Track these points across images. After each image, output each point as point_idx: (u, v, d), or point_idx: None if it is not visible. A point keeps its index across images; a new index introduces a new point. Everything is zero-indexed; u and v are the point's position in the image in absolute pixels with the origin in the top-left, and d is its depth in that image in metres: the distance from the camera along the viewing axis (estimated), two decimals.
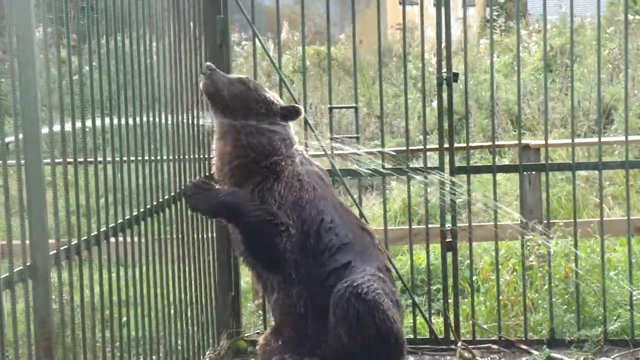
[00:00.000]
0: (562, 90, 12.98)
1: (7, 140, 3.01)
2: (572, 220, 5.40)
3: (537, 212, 6.51)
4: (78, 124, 3.53)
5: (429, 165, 5.34)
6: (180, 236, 4.60)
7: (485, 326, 5.53)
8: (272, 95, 4.52)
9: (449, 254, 5.31)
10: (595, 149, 6.88)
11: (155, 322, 4.22)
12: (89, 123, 3.61)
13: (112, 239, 3.84)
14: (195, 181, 4.51)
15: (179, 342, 4.54)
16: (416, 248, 5.76)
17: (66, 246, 3.44)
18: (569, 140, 5.68)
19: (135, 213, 4.07)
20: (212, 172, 4.60)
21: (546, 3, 5.30)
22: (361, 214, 5.15)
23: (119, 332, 3.90)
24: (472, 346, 5.17)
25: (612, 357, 5.04)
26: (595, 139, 6.20)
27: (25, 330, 3.14)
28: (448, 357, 5.16)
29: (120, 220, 3.92)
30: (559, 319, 5.32)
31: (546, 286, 5.43)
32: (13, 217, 3.06)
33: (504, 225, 5.74)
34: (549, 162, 5.58)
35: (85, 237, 3.60)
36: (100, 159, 3.72)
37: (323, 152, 5.24)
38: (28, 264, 3.15)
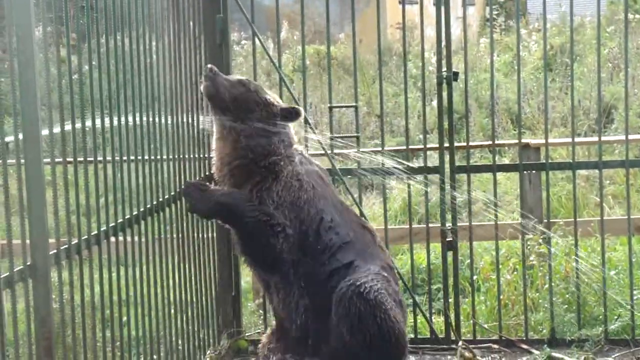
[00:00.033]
0: (562, 89, 12.97)
1: (7, 139, 3.01)
2: (573, 220, 5.40)
3: (538, 211, 6.51)
4: (78, 124, 3.52)
5: (429, 164, 5.34)
6: (180, 236, 4.59)
7: (485, 326, 5.53)
8: (272, 96, 4.52)
9: (450, 253, 5.30)
10: (596, 148, 6.88)
11: (155, 321, 4.21)
12: (88, 122, 3.61)
13: (112, 239, 3.84)
14: (193, 182, 4.50)
15: (180, 341, 4.53)
16: (416, 247, 5.76)
17: (66, 245, 3.44)
18: (569, 140, 5.68)
19: (135, 212, 4.07)
20: (212, 172, 4.60)
21: (546, 2, 5.29)
22: (361, 213, 5.15)
23: (120, 332, 3.90)
24: (473, 346, 5.16)
25: (613, 356, 5.04)
26: (596, 138, 6.19)
27: (26, 329, 3.14)
28: (449, 357, 5.15)
29: (120, 220, 3.91)
30: (559, 319, 5.31)
31: (547, 285, 5.42)
32: (13, 217, 3.06)
33: (504, 225, 5.74)
34: (549, 161, 5.58)
35: (86, 237, 3.59)
36: (100, 158, 3.71)
37: (323, 152, 5.24)
38: (28, 263, 3.15)
